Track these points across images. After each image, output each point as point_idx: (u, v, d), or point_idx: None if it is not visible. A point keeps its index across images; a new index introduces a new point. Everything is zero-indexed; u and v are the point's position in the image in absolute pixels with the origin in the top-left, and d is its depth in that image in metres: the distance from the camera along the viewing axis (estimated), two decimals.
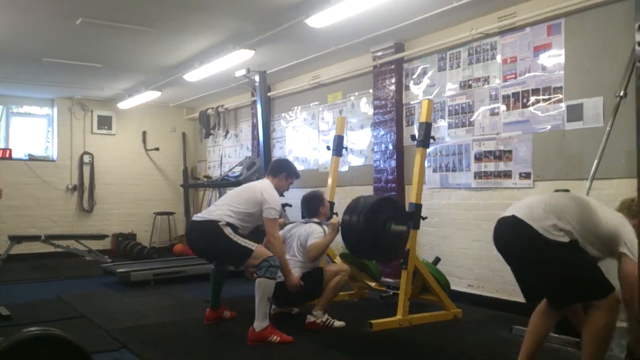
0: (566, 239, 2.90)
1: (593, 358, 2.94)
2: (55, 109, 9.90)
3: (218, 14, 5.38)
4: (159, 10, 5.31)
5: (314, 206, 5.00)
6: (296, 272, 4.54)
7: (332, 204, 5.63)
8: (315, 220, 4.89)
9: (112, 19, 5.53)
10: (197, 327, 4.66)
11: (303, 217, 5.05)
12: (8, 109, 9.64)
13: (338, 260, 5.62)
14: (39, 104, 9.98)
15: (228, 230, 4.24)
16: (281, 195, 4.63)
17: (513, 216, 3.06)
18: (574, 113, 4.62)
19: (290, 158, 7.67)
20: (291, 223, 5.05)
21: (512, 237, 3.09)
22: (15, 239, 7.70)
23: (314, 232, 4.71)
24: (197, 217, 4.48)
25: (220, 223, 4.24)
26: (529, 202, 3.14)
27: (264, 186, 4.47)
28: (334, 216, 5.22)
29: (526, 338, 3.17)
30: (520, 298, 4.75)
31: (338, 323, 4.58)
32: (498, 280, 5.22)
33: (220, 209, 4.36)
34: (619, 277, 2.87)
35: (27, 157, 9.59)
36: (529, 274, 3.10)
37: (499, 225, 3.18)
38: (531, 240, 2.95)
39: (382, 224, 4.58)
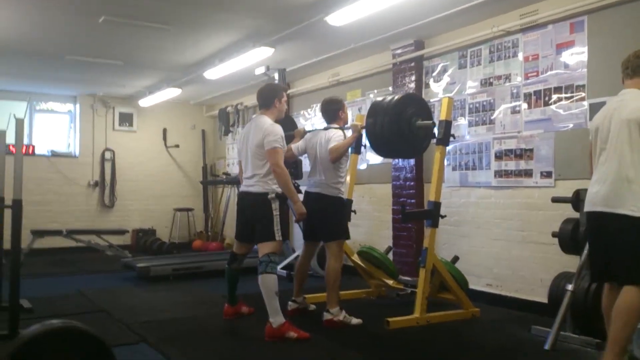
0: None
1: (618, 333, 3.07)
2: (78, 106, 10.04)
3: (238, 11, 5.40)
4: (179, 8, 5.35)
5: (333, 109, 4.92)
6: (317, 189, 4.66)
7: (350, 201, 5.61)
8: (335, 125, 4.86)
9: (133, 17, 5.59)
10: (215, 322, 4.69)
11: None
12: (32, 105, 9.79)
13: (356, 258, 5.61)
14: (62, 101, 10.12)
15: (275, 205, 4.25)
16: (285, 118, 4.67)
17: None
18: (597, 111, 4.52)
19: None
20: (310, 131, 5.04)
21: None
22: (38, 234, 7.82)
23: (333, 136, 4.69)
24: (245, 188, 4.42)
25: (269, 196, 4.24)
26: None
27: (258, 127, 4.35)
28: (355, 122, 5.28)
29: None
30: (539, 298, 4.73)
31: (355, 320, 4.57)
32: (517, 280, 5.17)
33: (260, 178, 4.28)
34: None
35: (49, 153, 9.74)
36: None
37: None
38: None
39: (407, 121, 4.54)
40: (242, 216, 4.54)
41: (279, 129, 4.32)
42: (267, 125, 4.32)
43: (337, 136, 4.70)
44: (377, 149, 4.81)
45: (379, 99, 4.80)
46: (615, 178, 3.17)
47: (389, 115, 4.48)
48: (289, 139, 4.86)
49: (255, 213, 4.34)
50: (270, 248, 4.21)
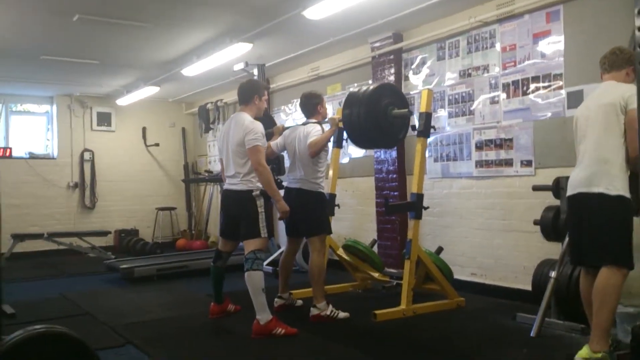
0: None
1: (597, 315, 3.15)
2: (55, 107, 9.90)
3: (214, 7, 5.36)
4: (155, 5, 5.29)
5: (312, 103, 4.90)
6: (297, 185, 4.68)
7: (333, 195, 5.61)
8: (313, 120, 4.85)
9: (108, 15, 5.52)
10: (202, 322, 4.67)
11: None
12: (7, 107, 9.63)
13: (341, 251, 5.62)
14: (38, 102, 9.97)
15: (260, 202, 4.25)
16: (264, 116, 4.62)
17: None
18: (575, 99, 4.59)
19: None
20: (289, 127, 5.03)
21: None
22: (18, 237, 7.73)
23: (312, 131, 4.68)
24: (229, 186, 4.40)
25: (254, 193, 4.25)
26: None
27: (238, 124, 4.33)
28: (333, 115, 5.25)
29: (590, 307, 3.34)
30: (523, 285, 4.79)
31: (342, 314, 4.58)
32: (501, 269, 5.23)
33: (243, 177, 4.27)
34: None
35: (27, 156, 9.59)
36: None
37: None
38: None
39: (383, 110, 4.53)
40: (226, 213, 4.52)
41: (259, 126, 4.29)
42: (247, 122, 4.29)
43: (315, 131, 4.69)
44: (355, 140, 4.80)
45: (355, 89, 4.80)
46: (592, 160, 3.28)
47: (364, 106, 4.47)
48: (268, 136, 4.84)
49: (240, 210, 4.32)
50: (255, 245, 4.20)
